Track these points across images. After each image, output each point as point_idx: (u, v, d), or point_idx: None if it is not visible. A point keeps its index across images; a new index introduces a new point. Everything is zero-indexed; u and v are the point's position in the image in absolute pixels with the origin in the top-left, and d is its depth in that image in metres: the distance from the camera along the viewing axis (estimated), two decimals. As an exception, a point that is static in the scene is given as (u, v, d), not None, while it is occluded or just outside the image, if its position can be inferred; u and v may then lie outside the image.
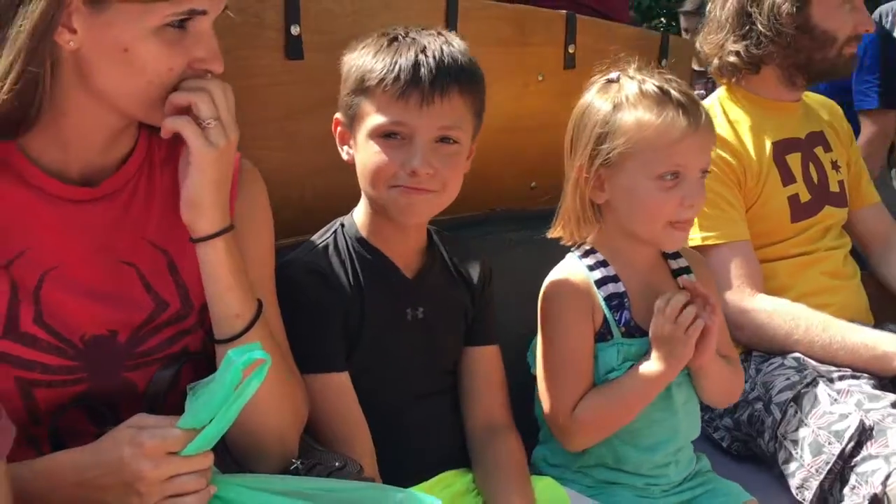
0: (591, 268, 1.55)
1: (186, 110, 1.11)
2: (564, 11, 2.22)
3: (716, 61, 2.09)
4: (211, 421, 0.99)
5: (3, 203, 1.11)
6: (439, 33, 1.44)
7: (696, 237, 1.94)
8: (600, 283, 1.54)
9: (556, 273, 1.58)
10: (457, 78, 1.40)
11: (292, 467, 1.18)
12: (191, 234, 1.14)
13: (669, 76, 1.53)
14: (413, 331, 1.50)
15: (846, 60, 2.04)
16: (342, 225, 1.50)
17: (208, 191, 1.12)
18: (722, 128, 2.00)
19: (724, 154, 1.96)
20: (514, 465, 1.49)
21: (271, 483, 1.07)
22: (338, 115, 1.47)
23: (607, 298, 1.53)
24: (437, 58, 1.39)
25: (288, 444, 1.22)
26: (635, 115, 1.47)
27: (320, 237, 1.50)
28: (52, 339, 1.10)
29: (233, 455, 1.19)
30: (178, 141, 1.15)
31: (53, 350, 1.10)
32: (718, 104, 2.09)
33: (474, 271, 1.61)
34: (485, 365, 1.59)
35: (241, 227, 1.20)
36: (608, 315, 1.52)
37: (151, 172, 1.22)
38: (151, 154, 1.22)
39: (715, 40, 2.09)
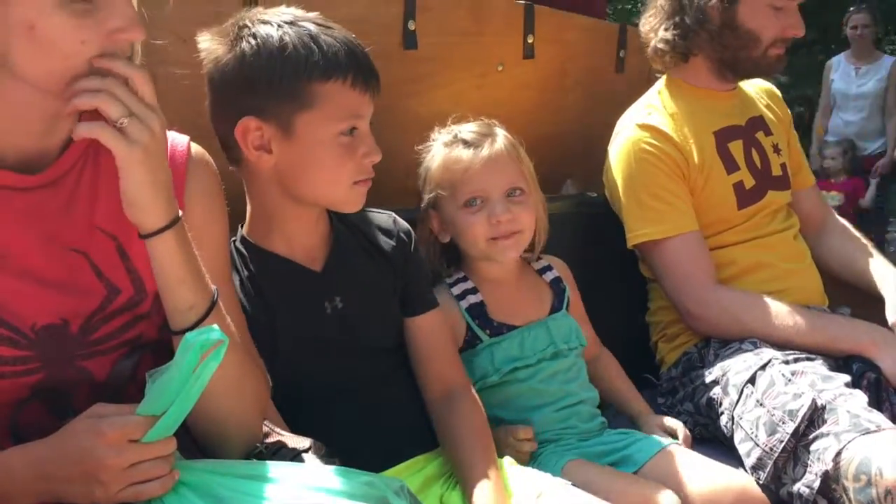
0: (451, 285, 1.77)
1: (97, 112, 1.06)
2: (523, 2, 2.25)
3: (651, 44, 2.13)
4: (171, 406, 0.99)
5: None
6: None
7: (645, 232, 1.98)
8: (461, 297, 1.75)
9: None
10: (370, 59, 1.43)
11: (256, 451, 1.18)
12: (139, 232, 1.11)
13: (477, 122, 1.76)
14: (336, 322, 1.49)
15: (771, 62, 2.05)
16: (233, 241, 1.46)
17: (145, 189, 1.07)
18: (661, 121, 2.03)
19: (665, 147, 1.99)
20: (475, 433, 1.50)
21: (235, 468, 1.07)
22: (253, 119, 1.37)
23: (468, 309, 1.73)
24: (357, 43, 1.41)
25: (251, 429, 1.22)
26: (433, 163, 1.74)
27: None
28: (2, 329, 1.08)
29: (197, 444, 1.18)
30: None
31: (5, 341, 1.08)
32: (658, 97, 2.12)
33: (389, 243, 1.59)
34: (426, 332, 1.60)
35: (193, 216, 1.17)
36: (471, 323, 1.73)
37: (97, 155, 1.17)
38: None
39: (650, 24, 2.13)
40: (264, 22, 1.38)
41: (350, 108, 1.38)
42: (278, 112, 1.37)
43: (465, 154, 1.70)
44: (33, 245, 1.11)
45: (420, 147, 1.78)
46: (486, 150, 1.70)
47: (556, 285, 1.83)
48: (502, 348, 1.71)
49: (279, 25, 1.37)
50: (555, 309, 1.80)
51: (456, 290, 1.75)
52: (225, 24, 1.42)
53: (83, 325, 1.14)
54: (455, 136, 1.73)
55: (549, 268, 1.85)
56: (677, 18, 2.05)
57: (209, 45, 1.41)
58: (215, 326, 1.00)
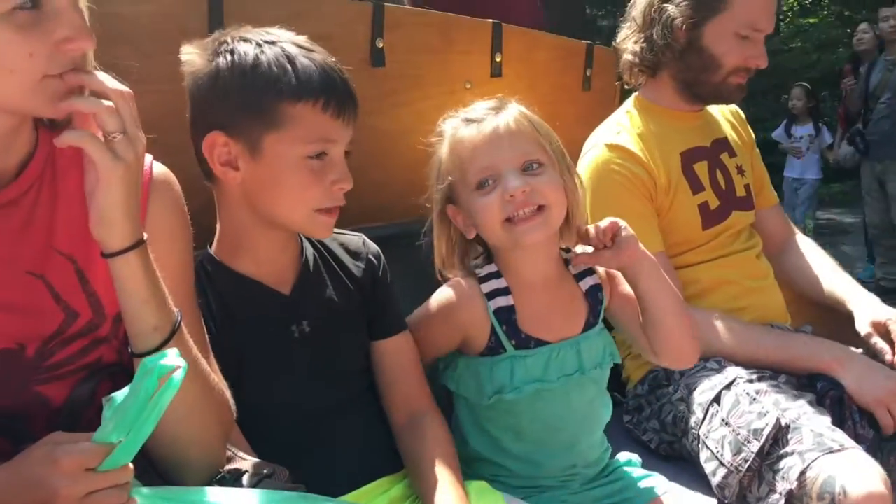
0: (483, 279, 1.60)
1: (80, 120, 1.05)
2: (491, 21, 2.26)
3: (623, 56, 2.17)
4: (128, 434, 0.96)
5: None
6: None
7: None
8: (491, 295, 1.58)
9: (449, 282, 1.63)
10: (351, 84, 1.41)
11: (218, 477, 1.15)
12: (102, 250, 1.08)
13: (489, 99, 1.59)
14: (304, 346, 1.47)
15: (731, 89, 2.08)
16: (201, 262, 1.44)
17: (119, 207, 1.06)
18: (630, 141, 2.04)
19: (633, 167, 2.00)
20: (441, 459, 1.47)
21: (195, 495, 1.05)
22: (220, 134, 1.36)
23: (497, 312, 1.57)
24: (344, 72, 1.39)
25: (213, 454, 1.20)
26: (442, 149, 1.57)
27: None
28: None
29: (157, 469, 1.16)
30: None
31: None
32: (627, 117, 2.14)
33: (358, 267, 1.59)
34: (393, 355, 1.58)
35: (155, 236, 1.15)
36: (497, 328, 1.57)
37: (55, 175, 1.15)
38: (53, 155, 1.15)
39: (624, 35, 2.17)
40: (245, 40, 1.37)
41: (320, 131, 1.36)
42: (246, 130, 1.36)
43: (469, 132, 1.53)
44: None
45: (432, 138, 1.63)
46: (490, 124, 1.52)
47: (594, 296, 1.64)
48: (526, 366, 1.56)
49: (258, 44, 1.36)
50: (589, 325, 1.63)
51: (486, 288, 1.58)
52: (208, 38, 1.42)
53: (39, 349, 1.11)
54: (461, 118, 1.57)
55: (589, 271, 1.66)
56: (648, 33, 2.09)
57: (189, 57, 1.40)
58: (174, 351, 0.98)
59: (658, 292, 1.58)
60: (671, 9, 2.04)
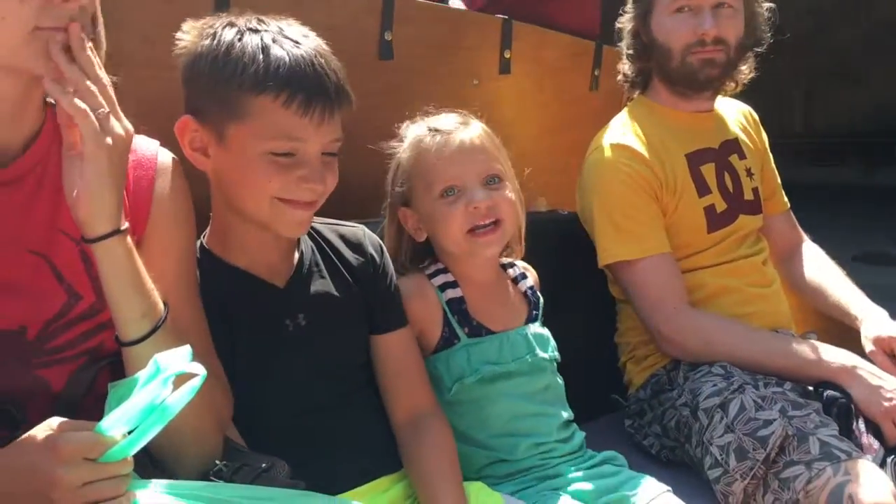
0: (433, 275, 1.69)
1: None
2: (501, 17, 2.23)
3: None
4: (133, 431, 0.94)
5: None
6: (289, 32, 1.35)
7: (617, 252, 1.97)
8: (442, 287, 1.67)
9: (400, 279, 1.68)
10: (345, 86, 1.35)
11: (215, 469, 1.13)
12: (86, 235, 1.06)
13: (450, 112, 1.68)
14: (298, 340, 1.43)
15: (695, 68, 2.03)
16: None
17: (107, 184, 1.04)
18: (636, 141, 2.03)
19: (639, 168, 1.98)
20: (442, 461, 1.45)
21: (195, 489, 1.02)
22: (192, 119, 1.33)
23: (448, 303, 1.66)
24: (329, 65, 1.33)
25: (209, 445, 1.18)
26: (405, 155, 1.66)
27: None
28: None
29: (151, 457, 1.13)
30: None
31: None
32: (632, 118, 2.11)
33: (358, 259, 1.55)
34: (396, 351, 1.55)
35: (160, 221, 1.15)
36: (450, 318, 1.65)
37: (61, 155, 1.12)
38: (60, 134, 1.11)
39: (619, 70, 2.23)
40: (232, 25, 1.33)
41: (283, 128, 1.29)
42: (214, 117, 1.32)
43: (438, 141, 1.62)
44: None
45: (391, 142, 1.69)
46: (459, 136, 1.62)
47: (532, 295, 1.77)
48: (480, 350, 1.64)
49: (240, 31, 1.32)
50: (531, 319, 1.74)
51: (437, 281, 1.67)
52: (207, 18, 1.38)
53: (41, 331, 1.10)
54: (427, 127, 1.65)
55: (523, 276, 1.79)
56: (627, 50, 2.14)
57: (183, 35, 1.37)
58: (187, 351, 0.95)
59: None
60: (625, 19, 2.12)
